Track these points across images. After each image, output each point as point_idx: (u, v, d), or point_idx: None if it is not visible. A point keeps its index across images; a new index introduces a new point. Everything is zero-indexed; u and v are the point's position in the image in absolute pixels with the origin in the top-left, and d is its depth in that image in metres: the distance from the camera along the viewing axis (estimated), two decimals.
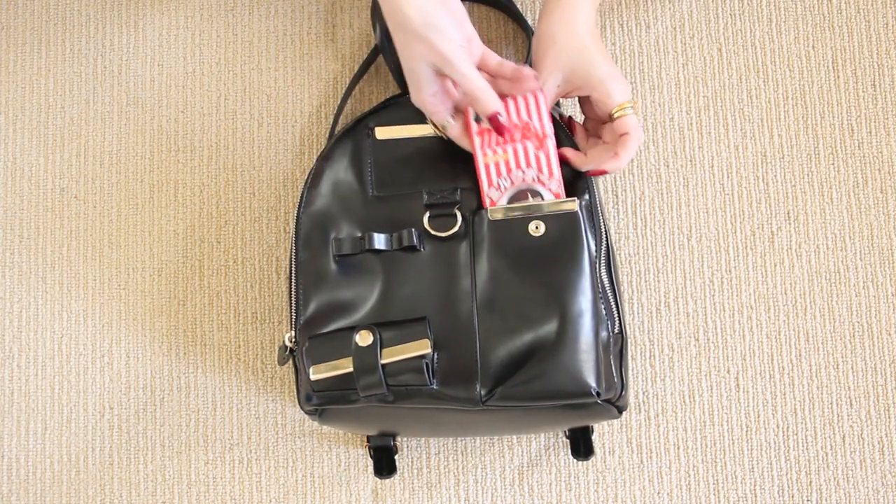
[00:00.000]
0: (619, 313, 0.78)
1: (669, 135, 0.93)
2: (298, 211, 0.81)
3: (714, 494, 0.89)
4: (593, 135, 0.83)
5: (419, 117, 0.82)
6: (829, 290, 0.91)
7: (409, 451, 0.90)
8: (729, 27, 0.95)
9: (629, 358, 0.89)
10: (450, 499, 0.89)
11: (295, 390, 0.88)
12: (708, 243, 0.92)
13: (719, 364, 0.90)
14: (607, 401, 0.75)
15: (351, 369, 0.74)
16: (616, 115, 0.78)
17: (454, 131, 0.79)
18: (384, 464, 0.87)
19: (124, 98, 0.96)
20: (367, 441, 0.87)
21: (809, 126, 0.93)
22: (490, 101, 0.75)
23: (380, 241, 0.78)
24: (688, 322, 0.91)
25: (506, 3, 0.94)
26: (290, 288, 0.80)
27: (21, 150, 0.95)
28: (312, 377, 0.75)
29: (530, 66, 0.85)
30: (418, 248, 0.78)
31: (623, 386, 0.77)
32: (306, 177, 0.83)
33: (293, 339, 0.79)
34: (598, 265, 0.77)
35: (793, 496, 0.89)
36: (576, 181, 0.80)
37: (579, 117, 0.89)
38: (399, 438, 0.89)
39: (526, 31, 0.92)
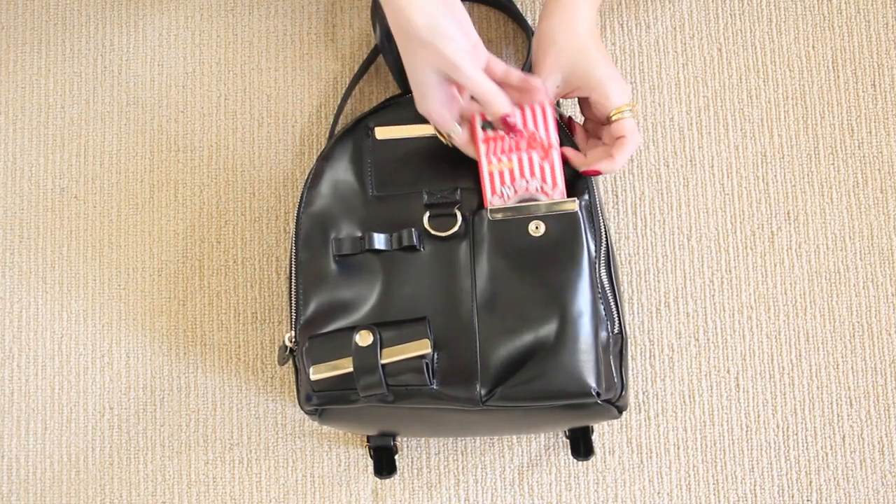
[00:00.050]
0: (618, 314, 0.78)
1: (669, 135, 0.93)
2: (298, 211, 0.81)
3: (714, 494, 0.89)
4: (593, 135, 0.83)
5: (419, 117, 0.82)
6: (829, 290, 0.91)
7: (409, 451, 0.90)
8: (729, 27, 0.95)
9: (629, 358, 0.89)
10: (450, 499, 0.89)
11: (295, 390, 0.88)
12: (708, 243, 0.92)
13: (719, 364, 0.90)
14: (607, 401, 0.75)
15: (351, 369, 0.74)
16: (614, 118, 0.78)
17: (460, 139, 0.79)
18: (384, 464, 0.87)
19: (124, 98, 0.96)
20: (367, 441, 0.87)
21: (809, 126, 0.93)
22: (501, 104, 0.75)
23: (380, 240, 0.78)
24: (688, 322, 0.91)
25: (506, 3, 0.94)
26: (290, 288, 0.80)
27: (21, 150, 0.95)
28: (312, 377, 0.75)
29: (530, 66, 0.85)
30: (418, 247, 0.78)
31: (623, 386, 0.77)
32: (306, 177, 0.83)
33: (293, 339, 0.79)
34: (597, 266, 0.77)
35: (793, 496, 0.89)
36: (576, 181, 0.80)
37: (579, 118, 0.89)
38: (399, 438, 0.89)
39: (526, 31, 0.92)
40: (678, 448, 0.89)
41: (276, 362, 0.86)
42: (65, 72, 0.96)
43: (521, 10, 0.94)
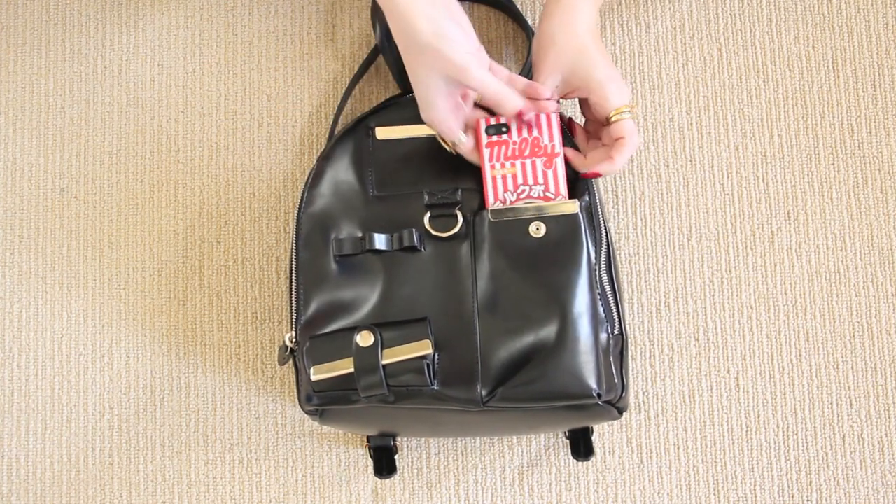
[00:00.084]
0: (619, 314, 0.78)
1: (669, 135, 0.93)
2: (299, 211, 0.81)
3: (714, 494, 0.89)
4: (593, 136, 0.83)
5: (420, 117, 0.82)
6: (829, 290, 0.91)
7: (409, 451, 0.90)
8: (729, 27, 0.95)
9: (629, 359, 0.89)
10: (450, 499, 0.89)
11: (295, 390, 0.88)
12: (708, 243, 0.92)
13: (719, 364, 0.90)
14: (608, 402, 0.75)
15: (352, 370, 0.74)
16: (613, 119, 0.78)
17: (465, 148, 0.79)
18: (384, 464, 0.87)
19: (124, 98, 0.95)
20: (367, 441, 0.88)
21: (809, 126, 0.93)
22: (514, 100, 0.76)
23: (380, 241, 0.78)
24: (688, 322, 0.91)
25: (506, 3, 0.94)
26: (291, 288, 0.80)
27: (21, 150, 0.95)
28: (313, 377, 0.75)
29: (530, 66, 0.85)
30: (419, 248, 0.78)
31: (623, 387, 0.77)
32: (306, 177, 0.83)
33: (294, 340, 0.79)
34: (597, 267, 0.77)
35: (793, 496, 0.89)
36: (576, 182, 0.80)
37: (579, 118, 0.89)
38: (399, 438, 0.89)
39: (526, 31, 0.92)
40: (678, 448, 0.89)
41: (277, 362, 0.86)
42: (65, 72, 0.96)
43: (521, 10, 0.94)
